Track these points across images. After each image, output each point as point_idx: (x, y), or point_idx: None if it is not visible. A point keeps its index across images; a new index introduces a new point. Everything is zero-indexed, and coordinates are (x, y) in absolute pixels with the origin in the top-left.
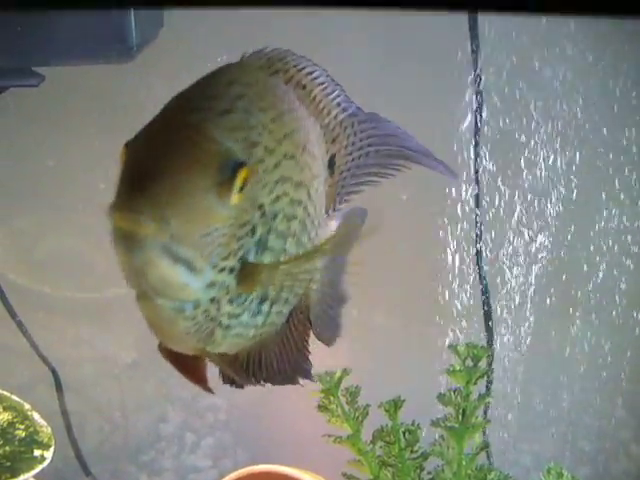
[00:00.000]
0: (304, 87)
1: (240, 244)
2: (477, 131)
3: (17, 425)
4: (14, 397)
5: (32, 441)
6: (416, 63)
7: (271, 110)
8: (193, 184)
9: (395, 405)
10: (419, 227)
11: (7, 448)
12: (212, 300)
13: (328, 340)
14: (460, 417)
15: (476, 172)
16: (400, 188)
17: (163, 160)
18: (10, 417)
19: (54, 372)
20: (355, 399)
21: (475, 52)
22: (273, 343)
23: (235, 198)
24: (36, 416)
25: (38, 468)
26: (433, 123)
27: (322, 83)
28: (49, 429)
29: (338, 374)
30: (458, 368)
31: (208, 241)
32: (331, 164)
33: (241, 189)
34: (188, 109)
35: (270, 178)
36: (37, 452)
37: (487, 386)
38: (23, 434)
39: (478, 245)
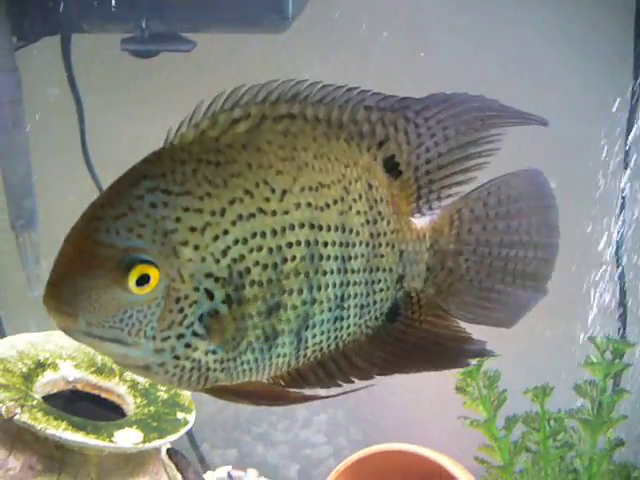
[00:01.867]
0: (292, 116)
1: (184, 314)
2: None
3: (158, 387)
4: None
5: (174, 404)
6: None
7: (201, 187)
8: (91, 284)
9: (544, 392)
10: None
11: (151, 408)
12: (177, 358)
13: (506, 322)
14: (595, 410)
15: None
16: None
17: (67, 268)
18: None
19: None
20: (494, 384)
21: None
22: (373, 344)
23: (137, 288)
24: None
25: (182, 431)
26: None
27: (321, 99)
28: (189, 393)
29: None
30: (596, 360)
31: (129, 321)
32: (392, 167)
33: (143, 282)
34: (87, 220)
35: (213, 249)
36: (180, 415)
37: (615, 382)
38: (165, 396)
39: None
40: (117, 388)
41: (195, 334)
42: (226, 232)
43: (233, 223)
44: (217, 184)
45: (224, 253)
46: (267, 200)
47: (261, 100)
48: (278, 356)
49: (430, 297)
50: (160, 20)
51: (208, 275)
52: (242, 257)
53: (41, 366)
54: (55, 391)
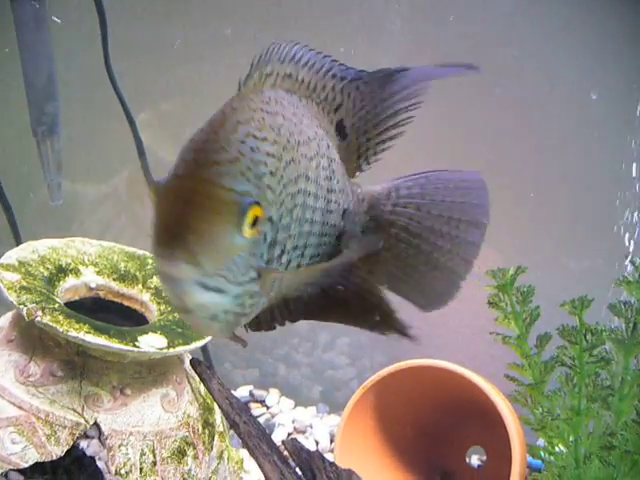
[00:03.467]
0: (290, 75)
1: (255, 256)
2: None
3: None
4: None
5: None
6: None
7: (270, 134)
8: (216, 230)
9: (582, 304)
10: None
11: (176, 315)
12: (251, 296)
13: (422, 305)
14: (629, 332)
15: None
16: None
17: (189, 212)
18: None
19: None
20: (528, 299)
21: None
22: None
23: (249, 232)
24: None
25: (207, 338)
26: None
27: (306, 63)
28: None
29: (511, 271)
30: (632, 279)
31: (232, 268)
32: (340, 130)
33: (255, 223)
34: (202, 163)
35: (277, 192)
36: None
37: None
38: None
39: None
40: (140, 296)
41: (255, 279)
42: (282, 177)
43: (284, 168)
44: (275, 131)
45: (280, 196)
46: (293, 147)
47: (278, 59)
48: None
49: (361, 259)
50: None
51: (270, 218)
52: (283, 201)
53: (63, 271)
54: (77, 298)
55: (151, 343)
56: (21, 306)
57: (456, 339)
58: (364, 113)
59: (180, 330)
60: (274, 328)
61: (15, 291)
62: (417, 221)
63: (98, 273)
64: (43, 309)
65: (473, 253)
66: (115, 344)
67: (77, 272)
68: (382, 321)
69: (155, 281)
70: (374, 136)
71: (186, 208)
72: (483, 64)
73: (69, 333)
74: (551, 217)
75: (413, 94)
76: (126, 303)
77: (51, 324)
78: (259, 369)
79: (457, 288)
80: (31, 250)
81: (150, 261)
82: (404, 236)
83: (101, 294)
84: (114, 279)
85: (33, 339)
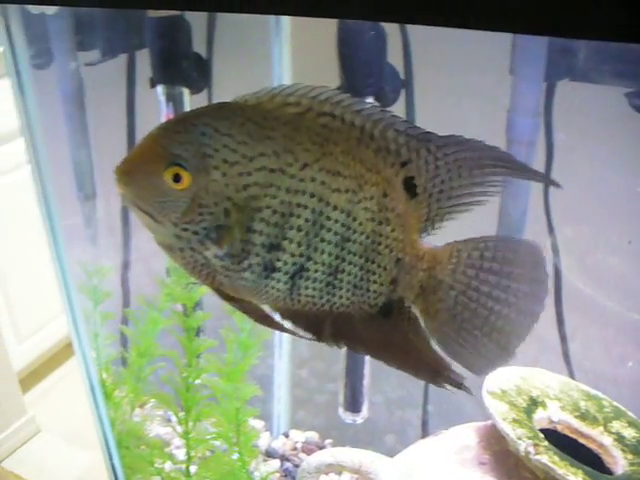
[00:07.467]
0: (333, 115)
1: (202, 218)
2: None
3: None
4: (630, 413)
5: None
6: None
7: (241, 135)
8: (144, 168)
9: None
10: None
11: None
12: (192, 249)
13: (476, 370)
14: None
15: None
16: None
17: (135, 154)
18: (637, 434)
19: None
20: None
21: None
22: (364, 325)
23: (173, 184)
24: None
25: None
26: None
27: (359, 111)
28: None
29: None
30: None
31: (162, 205)
32: (410, 187)
33: (177, 180)
34: (160, 127)
35: (236, 181)
36: None
37: None
38: None
39: None
40: (600, 437)
41: (208, 237)
42: (250, 174)
43: (257, 170)
44: (254, 138)
45: (245, 187)
46: (289, 165)
47: (312, 96)
48: (273, 288)
49: (419, 313)
50: None
51: (228, 198)
52: (259, 197)
53: (534, 403)
54: (537, 428)
55: None
56: (519, 441)
57: None
58: (439, 182)
59: None
60: (327, 341)
61: (509, 423)
62: (476, 286)
63: (562, 408)
64: (535, 445)
65: (530, 323)
66: None
67: (544, 405)
68: (434, 369)
69: (615, 426)
70: (445, 207)
71: (137, 150)
72: None
73: (568, 477)
74: None
75: (492, 183)
76: (581, 440)
77: (549, 464)
78: None
79: (510, 354)
80: (506, 378)
81: (606, 403)
82: (462, 300)
83: (559, 428)
84: (575, 416)
85: (509, 466)
